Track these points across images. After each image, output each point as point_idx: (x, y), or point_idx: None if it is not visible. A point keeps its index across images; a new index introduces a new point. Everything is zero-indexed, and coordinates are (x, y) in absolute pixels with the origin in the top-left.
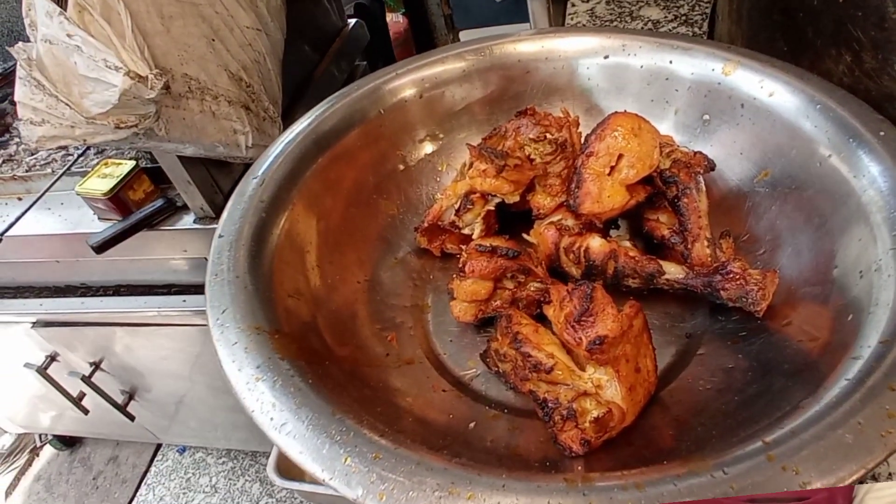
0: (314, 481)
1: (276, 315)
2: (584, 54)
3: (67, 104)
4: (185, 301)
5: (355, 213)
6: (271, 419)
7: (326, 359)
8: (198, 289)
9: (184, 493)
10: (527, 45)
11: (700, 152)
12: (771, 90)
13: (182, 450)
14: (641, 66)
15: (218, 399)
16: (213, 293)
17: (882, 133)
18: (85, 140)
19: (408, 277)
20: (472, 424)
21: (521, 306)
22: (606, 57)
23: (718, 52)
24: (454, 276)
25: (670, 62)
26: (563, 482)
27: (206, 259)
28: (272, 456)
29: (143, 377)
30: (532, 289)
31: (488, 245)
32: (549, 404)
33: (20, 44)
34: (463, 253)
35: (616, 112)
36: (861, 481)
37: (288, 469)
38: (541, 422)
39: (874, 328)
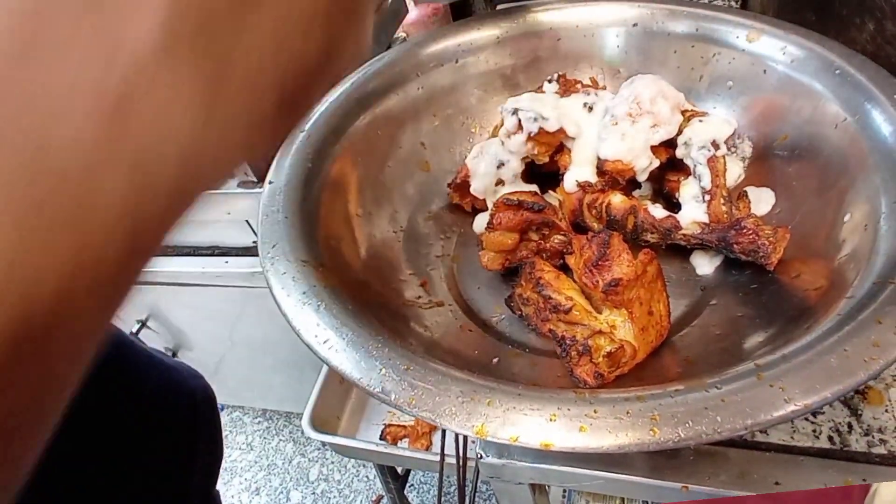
0: (346, 432)
1: (321, 252)
2: (614, 23)
3: None
4: (227, 262)
5: (393, 169)
6: (315, 336)
7: (364, 293)
8: (239, 251)
9: None
10: (558, 14)
11: (721, 117)
12: (792, 56)
13: (221, 408)
14: (668, 34)
15: (256, 360)
16: (265, 230)
17: None
18: None
19: (440, 230)
20: (495, 360)
21: (545, 257)
22: (635, 25)
23: (743, 20)
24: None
25: (696, 30)
26: (573, 394)
27: (247, 222)
28: (307, 412)
29: (186, 336)
30: (556, 241)
31: (515, 199)
32: (567, 341)
33: None
34: (492, 206)
35: (640, 76)
36: (843, 399)
37: (322, 423)
38: (559, 360)
39: (871, 273)
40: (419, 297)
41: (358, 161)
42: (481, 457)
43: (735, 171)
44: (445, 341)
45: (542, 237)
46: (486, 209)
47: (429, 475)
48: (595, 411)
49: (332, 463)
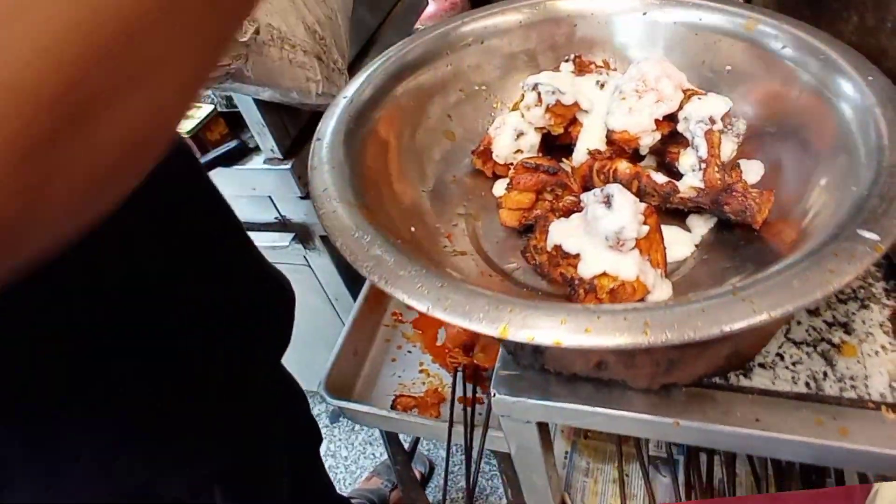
0: (360, 399)
1: (363, 197)
2: (626, 11)
3: None
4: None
5: (423, 136)
6: (365, 263)
7: (399, 235)
8: (262, 226)
9: None
10: (574, 2)
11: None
12: (783, 44)
13: None
14: (675, 22)
15: None
16: (315, 177)
17: (870, 78)
18: None
19: (463, 192)
20: None
21: (557, 215)
22: (645, 13)
23: (742, 10)
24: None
25: (700, 18)
26: (582, 308)
27: (269, 198)
28: (322, 378)
29: None
30: (567, 200)
31: (533, 163)
32: (575, 281)
33: None
34: (511, 170)
35: (647, 58)
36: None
37: (338, 389)
38: (568, 302)
39: (834, 223)
40: (445, 246)
41: (393, 126)
42: (495, 394)
43: (728, 148)
44: (469, 282)
45: (555, 197)
46: (506, 176)
47: (434, 453)
48: (598, 317)
49: (340, 440)
